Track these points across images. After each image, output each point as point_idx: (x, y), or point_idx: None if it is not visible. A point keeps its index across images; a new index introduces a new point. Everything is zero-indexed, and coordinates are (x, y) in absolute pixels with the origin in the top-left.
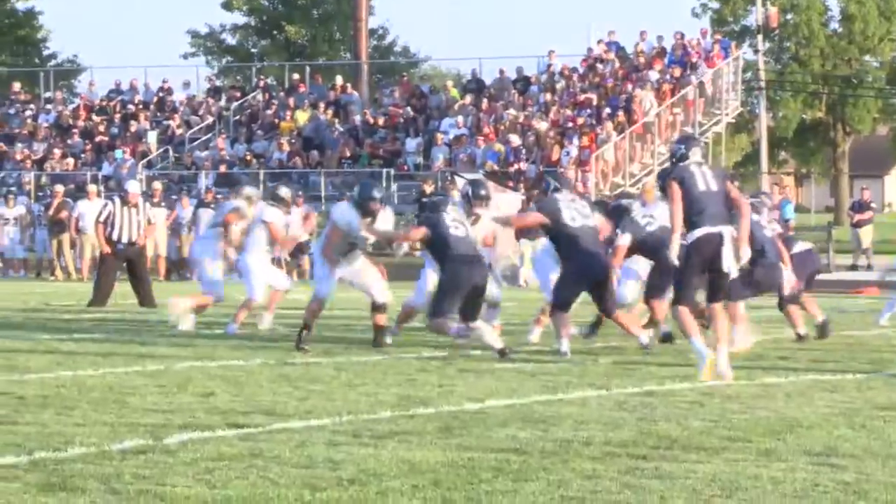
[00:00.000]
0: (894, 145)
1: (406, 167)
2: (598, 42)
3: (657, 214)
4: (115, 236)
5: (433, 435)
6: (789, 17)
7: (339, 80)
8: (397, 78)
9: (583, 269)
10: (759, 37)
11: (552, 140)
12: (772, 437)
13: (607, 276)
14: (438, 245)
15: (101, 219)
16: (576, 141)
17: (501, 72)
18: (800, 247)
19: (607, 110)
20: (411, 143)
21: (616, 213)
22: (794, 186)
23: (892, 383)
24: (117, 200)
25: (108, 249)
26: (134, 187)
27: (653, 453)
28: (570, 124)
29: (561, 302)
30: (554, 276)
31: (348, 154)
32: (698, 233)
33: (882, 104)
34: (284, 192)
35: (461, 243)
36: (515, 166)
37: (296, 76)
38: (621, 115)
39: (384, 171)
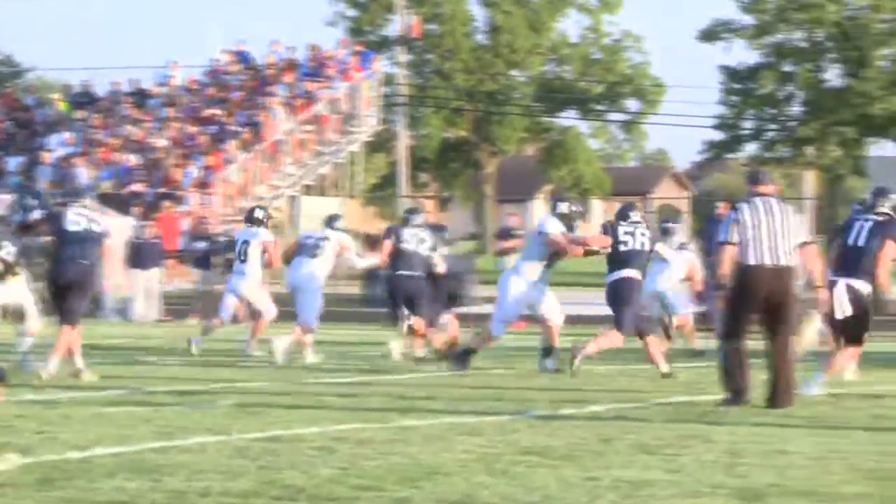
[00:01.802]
0: (542, 167)
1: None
2: (224, 52)
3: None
4: None
5: (32, 487)
6: (433, 27)
7: None
8: None
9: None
10: (400, 48)
11: (174, 159)
12: (406, 485)
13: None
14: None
15: None
16: (200, 160)
17: (115, 84)
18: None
19: (234, 127)
20: (13, 162)
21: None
22: (436, 211)
23: (535, 426)
24: None
25: None
26: None
27: None
28: (193, 142)
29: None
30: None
31: None
32: None
33: (529, 122)
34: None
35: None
36: (131, 187)
37: None
38: (249, 133)
39: None
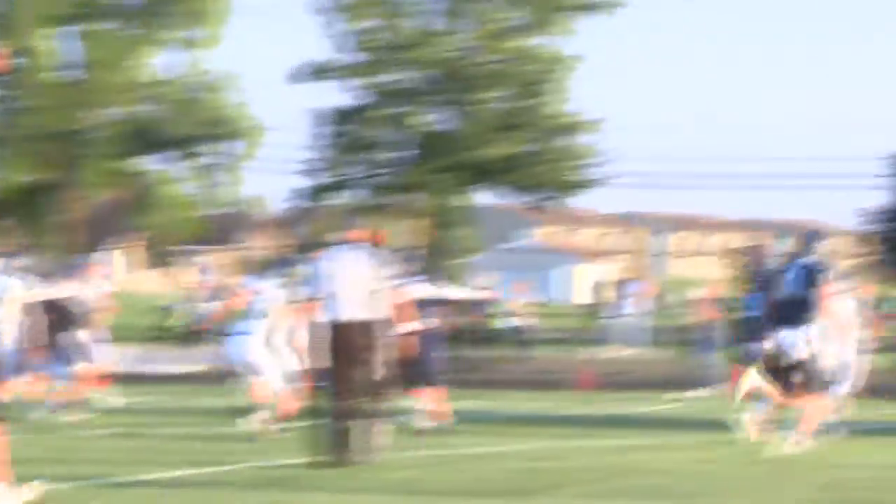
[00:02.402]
0: (131, 213)
1: None
2: None
3: None
4: None
5: None
6: (21, 60)
7: None
8: None
9: None
10: None
11: None
12: None
13: None
14: None
15: None
16: None
17: None
18: None
19: None
20: None
21: None
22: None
23: (108, 493)
24: None
25: None
26: None
27: None
28: None
29: None
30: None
31: None
32: None
33: (118, 165)
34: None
35: None
36: None
37: None
38: None
39: None
